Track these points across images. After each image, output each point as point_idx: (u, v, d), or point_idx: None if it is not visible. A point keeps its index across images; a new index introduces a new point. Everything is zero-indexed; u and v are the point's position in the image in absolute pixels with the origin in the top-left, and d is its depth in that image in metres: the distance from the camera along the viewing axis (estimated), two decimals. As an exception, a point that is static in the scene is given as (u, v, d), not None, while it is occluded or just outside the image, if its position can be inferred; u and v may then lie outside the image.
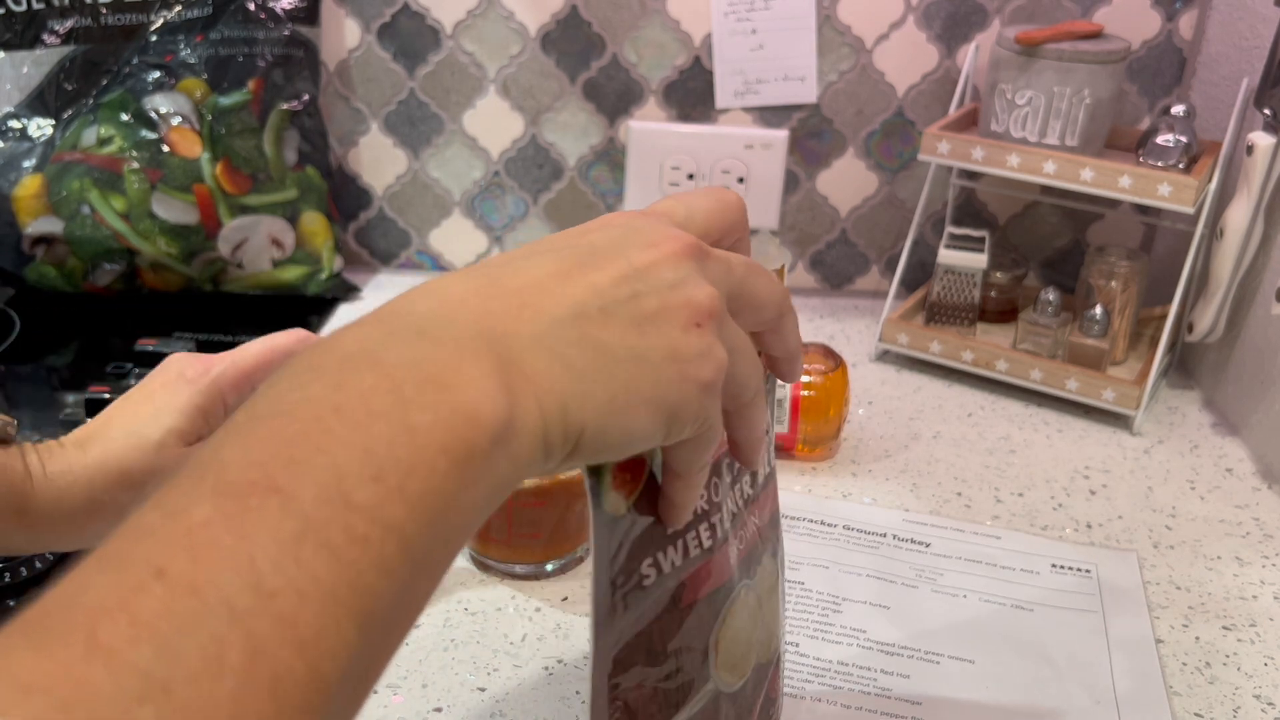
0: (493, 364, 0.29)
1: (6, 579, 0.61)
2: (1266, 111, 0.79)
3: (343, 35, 0.98)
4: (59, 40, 0.95)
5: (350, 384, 0.27)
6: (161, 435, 0.46)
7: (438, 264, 1.09)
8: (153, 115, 0.94)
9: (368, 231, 1.07)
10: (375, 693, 0.55)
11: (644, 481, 0.36)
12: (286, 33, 0.95)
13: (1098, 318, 0.87)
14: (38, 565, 0.62)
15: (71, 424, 0.77)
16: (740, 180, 1.01)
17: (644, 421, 0.32)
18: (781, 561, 0.48)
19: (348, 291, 1.03)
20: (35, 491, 0.44)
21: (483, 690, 0.56)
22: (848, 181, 1.02)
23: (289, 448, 0.26)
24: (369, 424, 0.26)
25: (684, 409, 0.33)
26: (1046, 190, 0.96)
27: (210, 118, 0.94)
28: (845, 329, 1.00)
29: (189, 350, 0.85)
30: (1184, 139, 0.82)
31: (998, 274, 0.96)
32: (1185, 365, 0.94)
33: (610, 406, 0.31)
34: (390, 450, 0.26)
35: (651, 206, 0.37)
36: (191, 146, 0.94)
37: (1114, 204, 0.99)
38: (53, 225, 0.94)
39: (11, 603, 0.60)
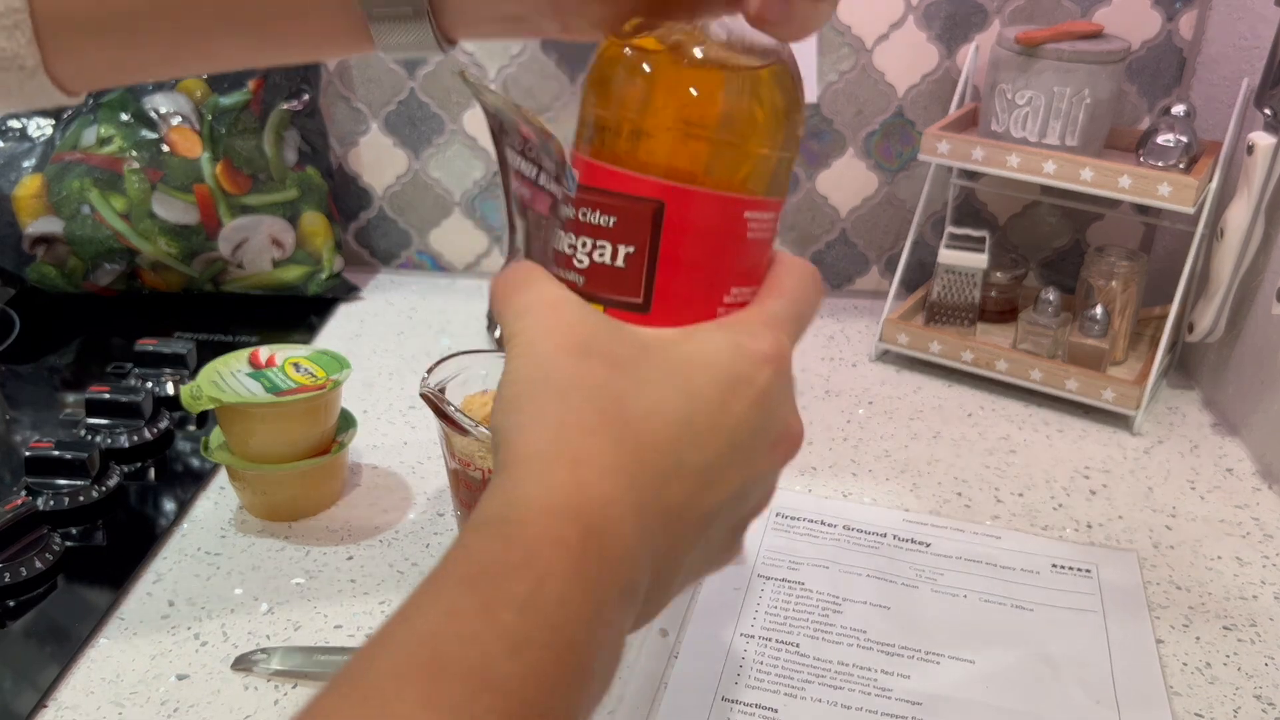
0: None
1: (6, 579, 0.61)
2: (1267, 111, 0.79)
3: (343, 35, 0.98)
4: (59, 40, 0.95)
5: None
6: None
7: (438, 264, 1.09)
8: (153, 115, 0.94)
9: (368, 231, 1.08)
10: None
11: None
12: (287, 33, 0.95)
13: (1098, 318, 0.87)
14: (38, 565, 0.62)
15: (71, 424, 0.77)
16: (740, 180, 1.01)
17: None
18: None
19: (348, 291, 1.03)
20: None
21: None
22: (848, 181, 1.02)
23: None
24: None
25: None
26: (1046, 190, 0.96)
27: (210, 117, 0.94)
28: (845, 329, 1.00)
29: (189, 350, 0.85)
30: (1184, 139, 0.82)
31: (998, 274, 0.96)
32: (1185, 365, 0.94)
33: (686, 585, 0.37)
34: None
35: (778, 342, 0.37)
36: (192, 146, 0.94)
37: (1114, 204, 0.99)
38: (53, 225, 0.94)
39: (11, 603, 0.60)
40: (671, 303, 0.39)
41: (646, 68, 0.38)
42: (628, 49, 0.38)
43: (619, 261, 0.38)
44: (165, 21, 0.41)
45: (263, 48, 0.42)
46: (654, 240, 0.38)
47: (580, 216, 0.39)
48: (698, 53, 0.38)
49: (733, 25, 0.38)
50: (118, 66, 0.43)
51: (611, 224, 0.38)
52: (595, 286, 0.39)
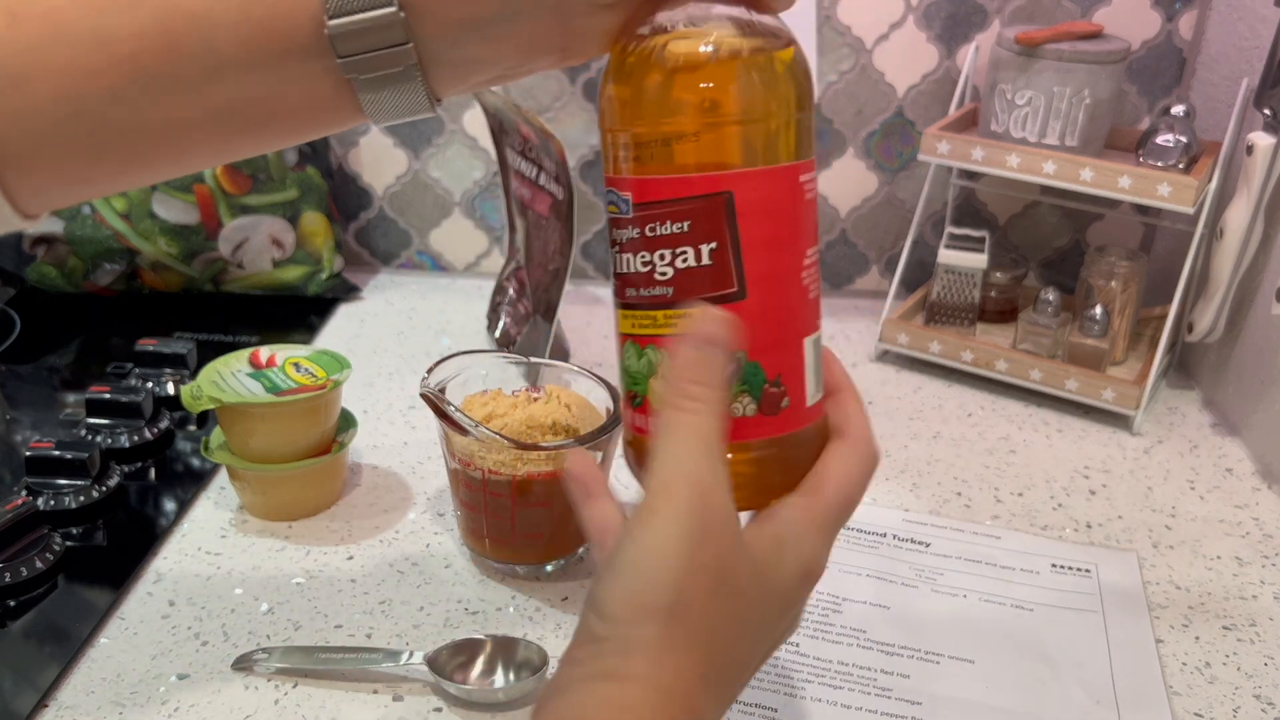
0: None
1: (7, 579, 0.61)
2: (1266, 112, 0.79)
3: (343, 35, 0.98)
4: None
5: None
6: None
7: (438, 264, 1.09)
8: (153, 115, 0.94)
9: (368, 231, 1.08)
10: (375, 692, 0.55)
11: None
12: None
13: (1097, 318, 0.87)
14: (38, 565, 0.62)
15: (72, 424, 0.77)
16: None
17: None
18: None
19: (348, 291, 1.03)
20: None
21: (483, 690, 0.56)
22: (848, 181, 1.02)
23: None
24: None
25: None
26: (1046, 190, 0.96)
27: (210, 118, 0.94)
28: (845, 329, 1.00)
29: (189, 350, 0.85)
30: (1184, 139, 0.82)
31: (997, 274, 0.96)
32: (1185, 365, 0.94)
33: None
34: None
35: (705, 489, 0.37)
36: (192, 146, 0.94)
37: (1114, 204, 0.99)
38: (53, 225, 0.94)
39: (12, 603, 0.60)
40: (763, 283, 0.40)
41: (679, 77, 0.38)
42: (648, 63, 0.39)
43: (705, 260, 0.39)
44: (131, 126, 0.38)
45: (241, 135, 0.40)
46: (732, 230, 0.39)
47: (649, 232, 0.39)
48: (715, 48, 0.38)
49: (702, 11, 0.39)
50: (83, 180, 0.40)
51: (687, 228, 0.39)
52: (687, 291, 0.40)
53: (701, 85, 0.38)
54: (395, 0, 0.37)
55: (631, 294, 0.41)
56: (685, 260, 0.39)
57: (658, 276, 0.40)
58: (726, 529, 0.37)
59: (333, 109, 0.39)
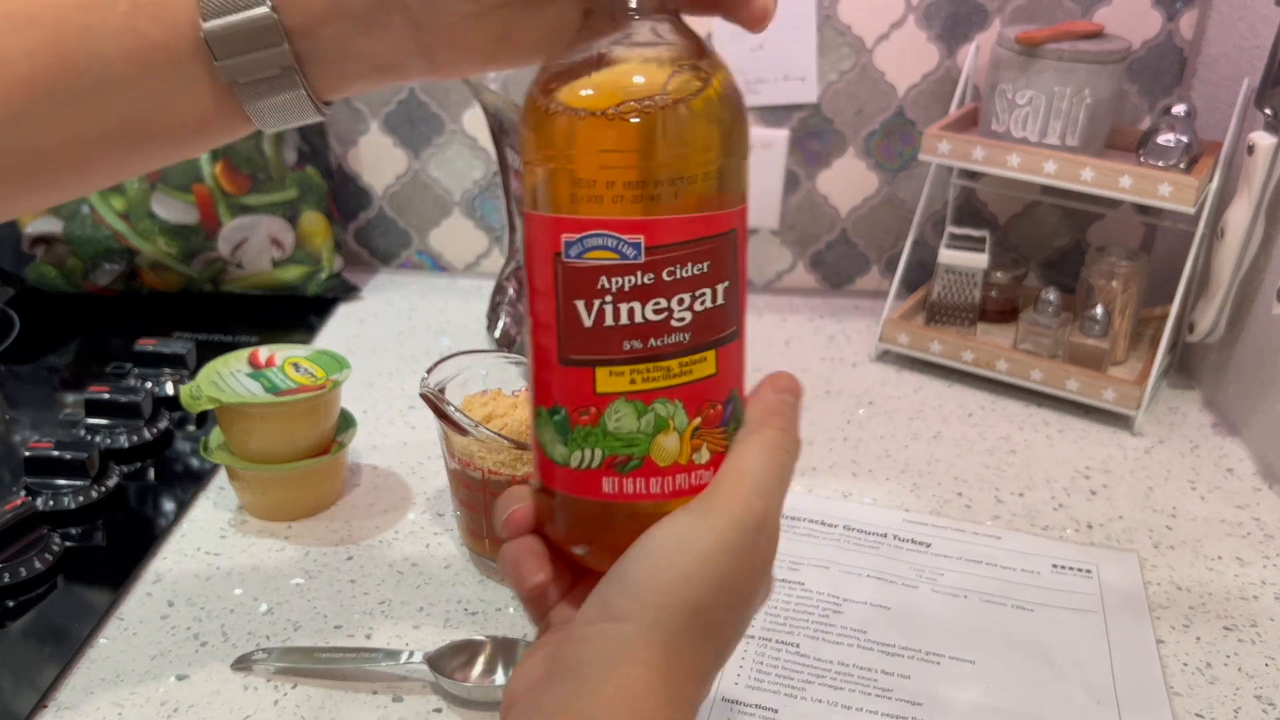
0: None
1: (6, 579, 0.61)
2: (1267, 111, 0.78)
3: (343, 35, 0.98)
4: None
5: None
6: None
7: (437, 264, 1.09)
8: (152, 115, 0.94)
9: (368, 231, 1.07)
10: (375, 692, 0.55)
11: None
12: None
13: (1098, 318, 0.87)
14: (37, 565, 0.62)
15: (71, 424, 0.77)
16: (740, 180, 1.01)
17: None
18: None
19: (348, 291, 1.03)
20: None
21: (483, 691, 0.56)
22: (848, 181, 1.02)
23: None
24: None
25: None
26: (1047, 190, 0.96)
27: (210, 117, 0.94)
28: (845, 329, 1.00)
29: (188, 350, 0.85)
30: (1184, 139, 0.82)
31: (998, 274, 0.96)
32: (1186, 365, 0.94)
33: None
34: None
35: (768, 509, 0.38)
36: (191, 146, 0.94)
37: (1114, 204, 0.99)
38: (52, 225, 0.94)
39: (11, 603, 0.60)
40: (744, 317, 0.39)
41: (696, 114, 0.36)
42: (630, 111, 0.36)
43: (719, 299, 0.38)
44: (31, 147, 0.38)
45: (140, 150, 0.40)
46: (736, 266, 0.38)
47: (666, 276, 0.36)
48: (690, 83, 0.37)
49: (630, 36, 0.37)
50: None
51: (707, 269, 0.37)
52: (703, 334, 0.38)
53: (701, 129, 0.37)
54: (268, 1, 0.37)
55: (634, 346, 0.37)
56: (703, 302, 0.37)
57: (675, 323, 0.37)
58: (769, 552, 0.38)
59: (222, 117, 0.40)
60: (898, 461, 0.79)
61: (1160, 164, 0.82)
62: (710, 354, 0.38)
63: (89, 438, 0.74)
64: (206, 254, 0.96)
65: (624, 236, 0.36)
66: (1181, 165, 0.82)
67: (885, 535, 0.70)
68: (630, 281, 0.36)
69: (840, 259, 1.06)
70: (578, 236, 0.36)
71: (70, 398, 0.83)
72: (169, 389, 0.82)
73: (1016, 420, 0.85)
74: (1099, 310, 0.87)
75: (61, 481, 0.68)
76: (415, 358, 0.91)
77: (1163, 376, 0.90)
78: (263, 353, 0.69)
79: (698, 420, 0.38)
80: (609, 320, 0.37)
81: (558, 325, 0.38)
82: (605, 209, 0.36)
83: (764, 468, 0.38)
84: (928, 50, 0.97)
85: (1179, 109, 0.83)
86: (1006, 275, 0.97)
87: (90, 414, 0.76)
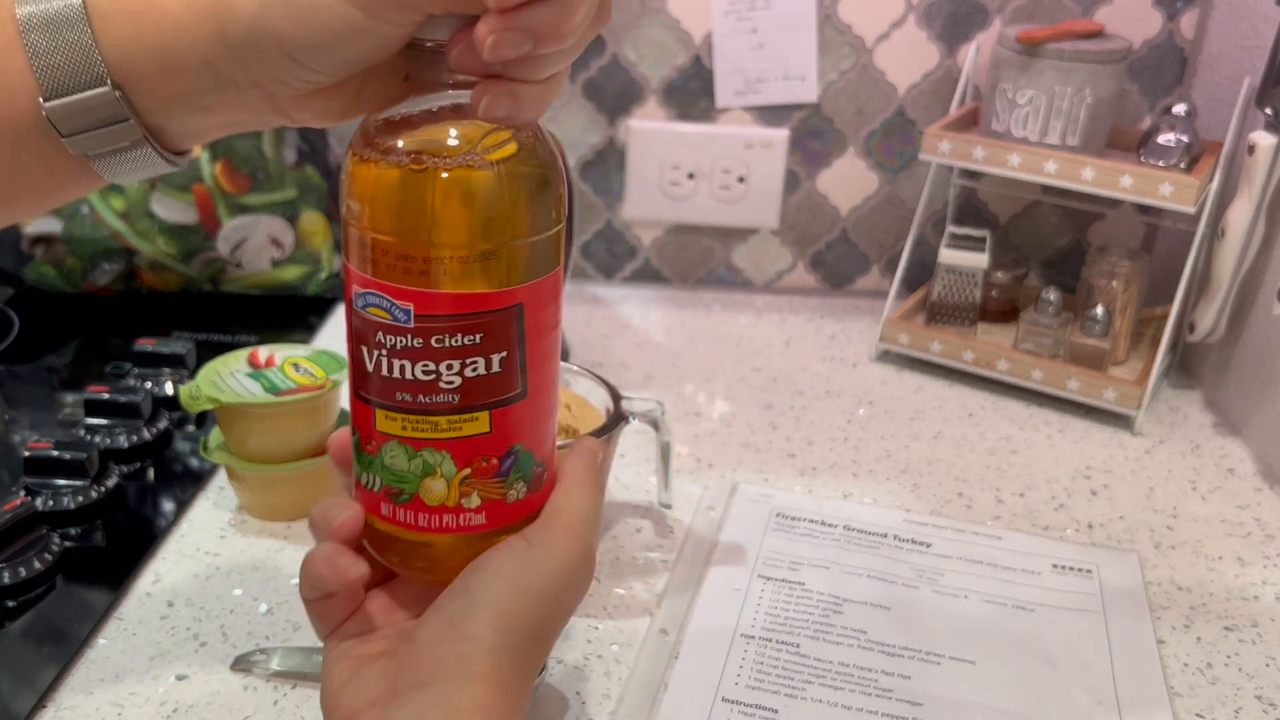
0: None
1: (6, 579, 0.60)
2: (1268, 111, 0.78)
3: (342, 34, 0.98)
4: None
5: None
6: None
7: (437, 264, 1.08)
8: (152, 115, 0.94)
9: (367, 231, 1.07)
10: (375, 693, 0.55)
11: None
12: (286, 32, 0.95)
13: (1099, 318, 0.86)
14: (37, 565, 0.62)
15: (70, 424, 0.77)
16: (740, 179, 1.01)
17: None
18: None
19: (347, 291, 1.02)
20: None
21: (483, 691, 0.56)
22: (848, 181, 1.02)
23: None
24: None
25: None
26: (1047, 190, 0.96)
27: (210, 117, 0.94)
28: (846, 329, 0.99)
29: (188, 350, 0.85)
30: (1185, 139, 0.82)
31: (999, 274, 0.96)
32: (1186, 365, 0.94)
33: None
34: None
35: (594, 543, 0.42)
36: (191, 146, 0.94)
37: (1115, 204, 0.99)
38: (51, 225, 0.94)
39: (11, 603, 0.60)
40: (541, 379, 0.40)
41: (460, 202, 0.36)
42: (438, 179, 0.36)
43: (495, 368, 0.38)
44: None
45: None
46: (520, 338, 0.38)
47: (435, 343, 0.37)
48: (497, 169, 0.36)
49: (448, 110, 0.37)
50: None
51: (480, 340, 0.38)
52: (474, 397, 0.38)
53: (488, 210, 0.36)
54: (108, 80, 0.37)
55: (405, 398, 0.38)
56: (475, 370, 0.38)
57: (443, 385, 0.38)
58: (590, 576, 0.42)
59: (78, 177, 0.40)
60: (898, 462, 0.79)
61: (1161, 164, 0.82)
62: (484, 414, 0.39)
63: (88, 438, 0.74)
64: (206, 254, 0.96)
65: (396, 301, 0.37)
66: (1182, 165, 0.81)
67: (886, 535, 0.70)
68: (401, 342, 0.38)
69: (840, 259, 1.06)
70: (361, 291, 0.38)
71: (70, 398, 0.82)
72: (168, 389, 0.82)
73: (1017, 420, 0.85)
74: (1100, 310, 0.87)
75: (61, 481, 0.68)
76: (415, 357, 0.91)
77: (1163, 376, 0.90)
78: (262, 353, 0.69)
79: (467, 471, 0.39)
80: (384, 371, 0.38)
81: (351, 362, 0.40)
82: (382, 273, 0.37)
83: (591, 506, 0.42)
84: (928, 50, 0.97)
85: (1179, 109, 0.83)
86: (1007, 275, 0.97)
87: (90, 414, 0.75)
